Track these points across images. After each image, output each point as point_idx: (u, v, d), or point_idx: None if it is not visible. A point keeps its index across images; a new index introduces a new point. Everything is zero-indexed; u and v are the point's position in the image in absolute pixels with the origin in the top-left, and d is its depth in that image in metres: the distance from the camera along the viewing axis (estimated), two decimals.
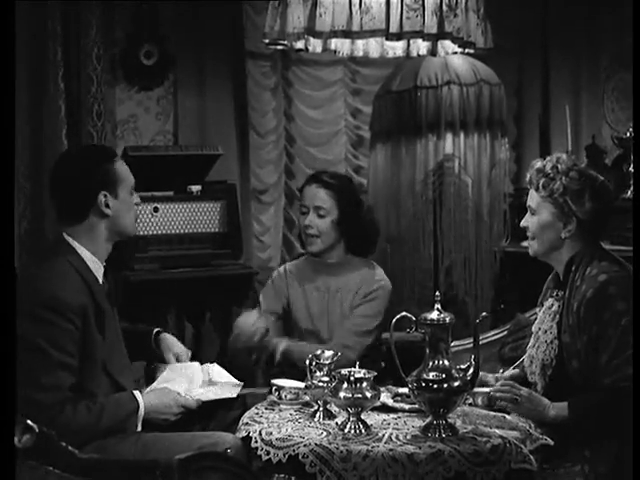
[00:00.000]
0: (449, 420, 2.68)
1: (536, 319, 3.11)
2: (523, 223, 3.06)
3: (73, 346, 2.70)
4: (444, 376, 2.65)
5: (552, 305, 3.03)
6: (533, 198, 3.01)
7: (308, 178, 3.75)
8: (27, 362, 2.60)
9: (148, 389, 2.95)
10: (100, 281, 2.86)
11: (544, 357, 2.98)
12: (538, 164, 3.02)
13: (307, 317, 3.65)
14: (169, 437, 2.79)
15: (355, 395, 2.67)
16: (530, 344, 3.07)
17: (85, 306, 2.74)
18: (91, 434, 2.69)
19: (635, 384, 2.65)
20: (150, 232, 4.91)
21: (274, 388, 2.98)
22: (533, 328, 3.09)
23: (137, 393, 2.85)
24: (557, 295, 3.02)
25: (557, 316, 2.98)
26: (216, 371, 3.11)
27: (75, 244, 2.83)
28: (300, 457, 2.54)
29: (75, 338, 2.71)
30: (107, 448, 2.68)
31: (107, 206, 2.84)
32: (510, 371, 3.20)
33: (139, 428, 2.81)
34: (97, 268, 2.86)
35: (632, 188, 5.13)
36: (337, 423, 2.73)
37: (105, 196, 2.83)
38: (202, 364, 3.13)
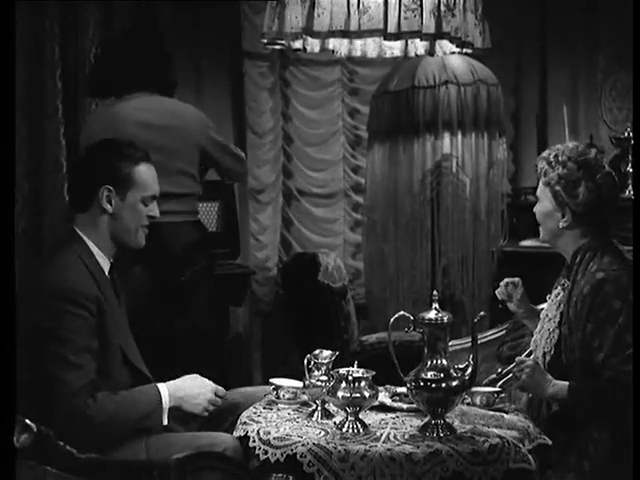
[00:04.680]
0: (447, 420, 2.68)
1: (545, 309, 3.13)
2: (534, 209, 3.07)
3: (92, 333, 2.67)
4: (442, 375, 2.65)
5: (559, 293, 3.04)
6: (539, 186, 3.04)
7: None
8: (51, 351, 2.58)
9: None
10: (106, 273, 2.85)
11: (544, 344, 3.00)
12: (546, 152, 3.03)
13: None
14: (167, 437, 2.78)
15: (353, 394, 2.67)
16: (537, 328, 3.09)
17: (97, 295, 2.72)
18: (114, 427, 2.63)
19: (635, 383, 2.66)
20: None
21: (272, 387, 2.98)
22: (541, 314, 3.11)
23: (161, 385, 2.78)
24: (564, 284, 3.03)
25: (561, 305, 2.99)
26: None
27: (81, 234, 2.82)
28: (298, 456, 2.53)
29: (92, 325, 2.67)
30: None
31: (109, 203, 2.82)
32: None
33: (165, 422, 2.75)
34: (103, 262, 2.85)
35: (630, 188, 5.14)
36: (335, 422, 2.72)
37: (109, 191, 2.81)
38: None
